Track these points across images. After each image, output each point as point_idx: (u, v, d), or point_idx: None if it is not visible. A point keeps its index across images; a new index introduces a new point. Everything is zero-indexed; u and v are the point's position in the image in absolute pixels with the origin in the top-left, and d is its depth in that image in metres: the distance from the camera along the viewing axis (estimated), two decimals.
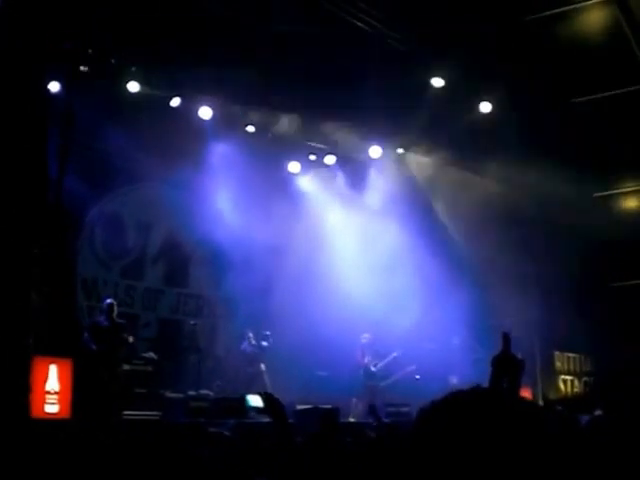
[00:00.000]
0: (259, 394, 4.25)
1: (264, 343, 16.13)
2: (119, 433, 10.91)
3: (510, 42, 14.30)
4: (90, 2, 13.25)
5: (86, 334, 13.49)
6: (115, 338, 13.35)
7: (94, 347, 13.09)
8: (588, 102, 15.77)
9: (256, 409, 3.79)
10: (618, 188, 18.83)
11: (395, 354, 16.87)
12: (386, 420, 14.03)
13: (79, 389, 12.00)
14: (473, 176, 17.25)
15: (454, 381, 16.07)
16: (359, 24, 14.84)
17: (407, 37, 15.30)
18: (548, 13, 13.87)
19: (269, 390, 15.29)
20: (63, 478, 8.92)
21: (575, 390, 19.52)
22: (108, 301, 13.95)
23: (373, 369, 16.79)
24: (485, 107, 16.55)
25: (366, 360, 16.72)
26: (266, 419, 12.70)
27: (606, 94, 15.60)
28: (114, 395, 12.76)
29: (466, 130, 16.59)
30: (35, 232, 12.36)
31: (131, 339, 13.86)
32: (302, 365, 16.28)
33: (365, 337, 16.95)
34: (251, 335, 16.15)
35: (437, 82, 15.98)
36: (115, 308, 13.76)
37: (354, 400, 16.04)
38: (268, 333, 16.21)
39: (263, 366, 15.84)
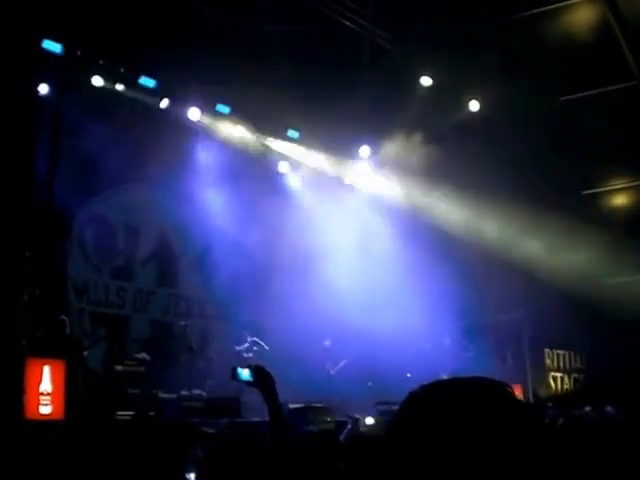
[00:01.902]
0: (249, 366, 4.27)
1: (255, 347, 16.17)
2: (113, 433, 10.89)
3: (498, 40, 14.35)
4: (78, 4, 13.22)
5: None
6: (68, 353, 13.31)
7: None
8: (576, 99, 15.83)
9: (246, 382, 3.84)
10: (606, 186, 18.90)
11: (345, 361, 16.95)
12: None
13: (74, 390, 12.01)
14: (461, 173, 17.26)
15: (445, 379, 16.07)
16: (347, 23, 14.88)
17: (396, 36, 15.35)
18: (536, 11, 13.93)
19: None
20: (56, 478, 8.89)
21: (565, 387, 19.59)
22: (60, 318, 13.78)
23: (332, 372, 16.91)
24: (474, 105, 16.61)
25: (327, 365, 16.86)
26: (257, 418, 12.79)
27: (594, 91, 15.66)
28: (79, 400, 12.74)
29: (455, 128, 16.65)
30: (26, 234, 12.32)
31: (85, 353, 13.82)
32: (295, 365, 16.26)
33: (328, 342, 17.06)
34: (249, 339, 16.17)
35: (425, 81, 16.03)
36: (68, 323, 13.62)
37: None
38: (267, 348, 16.25)
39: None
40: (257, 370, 4.26)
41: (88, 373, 13.29)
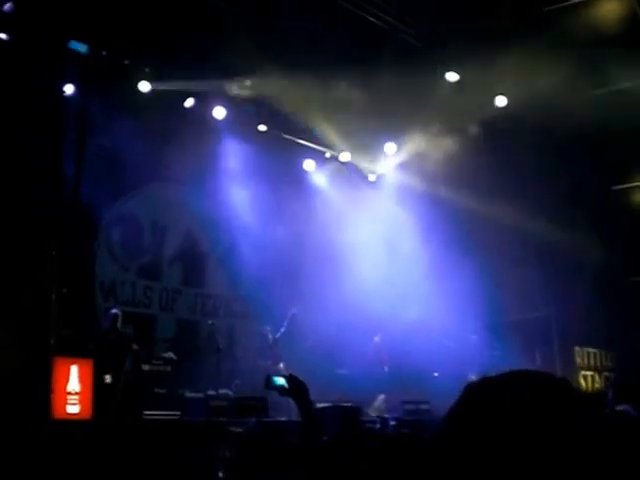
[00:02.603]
0: (284, 376, 4.27)
1: (277, 335, 16.14)
2: (139, 433, 10.90)
3: (525, 35, 14.21)
4: (103, 4, 13.25)
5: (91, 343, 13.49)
6: (120, 348, 13.34)
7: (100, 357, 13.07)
8: (606, 94, 15.64)
9: (280, 389, 3.85)
10: (637, 181, 18.68)
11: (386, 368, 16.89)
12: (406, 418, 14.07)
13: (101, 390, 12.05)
14: (487, 168, 17.09)
15: (473, 378, 15.90)
16: (372, 19, 14.80)
17: (420, 32, 15.26)
18: (564, 4, 13.79)
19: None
20: (84, 478, 8.91)
21: (596, 386, 19.36)
22: (113, 311, 13.96)
23: (386, 369, 16.91)
24: (500, 101, 16.46)
25: (377, 360, 16.82)
26: (285, 418, 12.75)
27: (624, 85, 15.48)
28: (119, 398, 12.74)
29: (482, 124, 16.55)
30: (53, 233, 12.36)
31: (135, 346, 13.84)
32: (321, 363, 16.21)
33: (377, 338, 17.02)
34: (269, 328, 16.14)
35: (452, 76, 15.91)
36: (120, 318, 13.75)
37: (382, 396, 16.01)
38: (295, 312, 16.17)
39: (282, 365, 15.78)
40: (292, 379, 4.24)
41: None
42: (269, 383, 4.30)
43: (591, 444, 1.33)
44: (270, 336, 16.08)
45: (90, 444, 9.32)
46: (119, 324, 13.70)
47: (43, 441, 9.27)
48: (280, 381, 4.26)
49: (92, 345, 13.35)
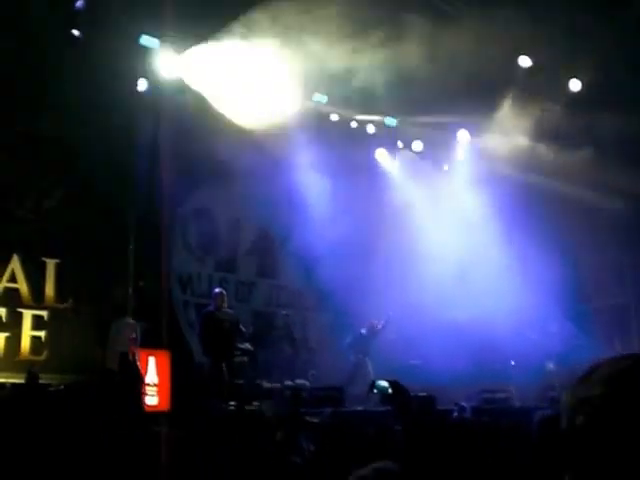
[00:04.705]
0: (388, 381, 4.17)
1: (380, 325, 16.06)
2: (217, 424, 11.00)
3: (597, 17, 13.90)
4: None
5: (199, 326, 13.48)
6: (228, 328, 13.18)
7: (210, 338, 12.87)
8: None
9: (383, 393, 3.74)
10: None
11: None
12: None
13: (180, 381, 12.11)
14: (565, 159, 16.73)
15: (551, 367, 15.70)
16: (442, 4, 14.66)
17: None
18: None
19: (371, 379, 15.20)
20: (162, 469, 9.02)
21: None
22: (217, 290, 13.61)
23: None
24: (575, 85, 16.12)
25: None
26: (360, 407, 12.73)
27: None
28: (226, 386, 12.74)
29: (555, 108, 16.27)
30: (130, 228, 12.58)
31: (244, 329, 13.74)
32: (398, 354, 16.14)
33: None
34: (376, 321, 16.04)
35: (524, 61, 15.64)
36: (225, 298, 13.35)
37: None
38: (391, 314, 16.12)
39: (367, 358, 15.74)
40: (395, 385, 4.13)
41: (195, 364, 13.43)
42: (373, 386, 4.20)
43: None
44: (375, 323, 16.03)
45: (168, 435, 9.43)
46: (225, 304, 13.30)
47: (131, 433, 9.41)
48: (383, 384, 4.15)
49: (200, 328, 13.23)
